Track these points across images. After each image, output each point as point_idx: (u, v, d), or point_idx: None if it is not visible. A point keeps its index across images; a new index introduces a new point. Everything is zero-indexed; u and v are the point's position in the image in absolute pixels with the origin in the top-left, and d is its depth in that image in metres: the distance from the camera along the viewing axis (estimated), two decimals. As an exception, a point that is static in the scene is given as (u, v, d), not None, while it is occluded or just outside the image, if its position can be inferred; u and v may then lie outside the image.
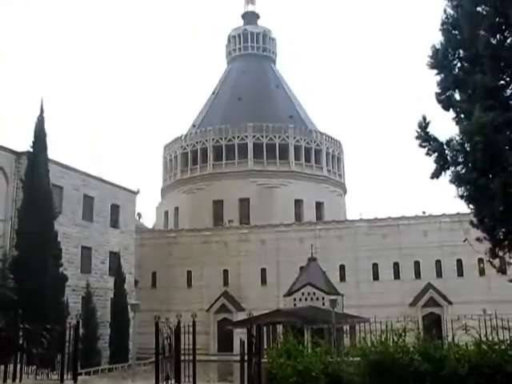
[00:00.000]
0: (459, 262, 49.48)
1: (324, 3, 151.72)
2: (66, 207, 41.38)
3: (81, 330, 37.27)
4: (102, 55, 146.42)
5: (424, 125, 12.08)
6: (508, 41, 11.15)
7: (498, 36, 11.25)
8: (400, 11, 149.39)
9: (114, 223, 47.11)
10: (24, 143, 34.72)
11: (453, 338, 11.28)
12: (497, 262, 12.84)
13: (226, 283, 54.39)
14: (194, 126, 72.14)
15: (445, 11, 11.64)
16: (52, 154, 35.33)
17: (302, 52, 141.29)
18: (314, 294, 40.33)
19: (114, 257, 45.38)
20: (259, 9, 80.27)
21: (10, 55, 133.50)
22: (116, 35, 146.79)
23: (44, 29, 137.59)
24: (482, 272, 47.55)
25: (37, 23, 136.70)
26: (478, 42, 11.00)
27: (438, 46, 11.72)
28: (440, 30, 11.76)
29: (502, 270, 13.34)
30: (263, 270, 53.82)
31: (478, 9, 11.24)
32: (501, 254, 12.37)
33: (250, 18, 78.92)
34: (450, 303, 48.15)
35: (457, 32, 11.55)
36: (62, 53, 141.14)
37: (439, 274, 50.38)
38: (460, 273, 49.82)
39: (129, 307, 39.34)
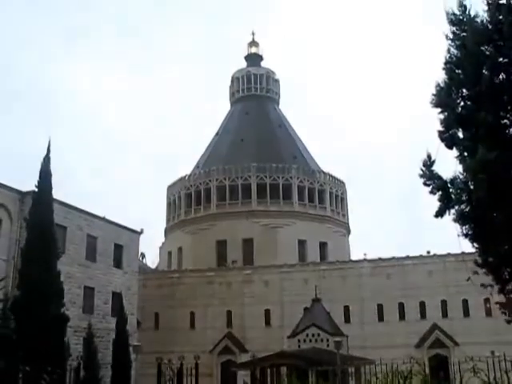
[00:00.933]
0: (465, 301, 48.97)
1: (327, 44, 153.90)
2: (70, 247, 41.31)
3: (82, 373, 37.03)
4: (108, 91, 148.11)
5: (429, 163, 12.10)
6: (511, 80, 11.23)
7: (500, 76, 11.34)
8: (403, 46, 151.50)
9: (117, 263, 46.93)
10: (29, 182, 34.71)
11: (461, 381, 11.07)
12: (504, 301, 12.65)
13: (229, 324, 53.84)
14: (197, 166, 72.53)
15: (448, 51, 11.76)
16: (56, 193, 35.43)
17: (304, 91, 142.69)
18: (319, 335, 39.93)
19: (117, 297, 45.05)
20: (262, 50, 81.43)
21: (16, 92, 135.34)
22: (124, 72, 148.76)
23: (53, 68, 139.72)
24: (488, 312, 47.01)
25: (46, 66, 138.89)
26: (481, 81, 11.08)
27: (442, 85, 11.80)
28: (443, 68, 11.86)
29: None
30: (267, 311, 53.34)
31: (481, 48, 11.34)
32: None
33: (254, 59, 79.97)
34: (457, 344, 47.46)
35: (460, 71, 11.63)
36: (71, 88, 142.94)
37: (445, 314, 49.80)
38: (466, 313, 49.23)
39: (131, 349, 38.90)
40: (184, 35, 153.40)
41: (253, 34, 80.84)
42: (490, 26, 11.10)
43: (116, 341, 42.58)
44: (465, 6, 11.36)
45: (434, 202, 12.12)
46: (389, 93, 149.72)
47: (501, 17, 10.91)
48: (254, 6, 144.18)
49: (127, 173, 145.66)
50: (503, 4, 10.96)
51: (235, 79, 78.75)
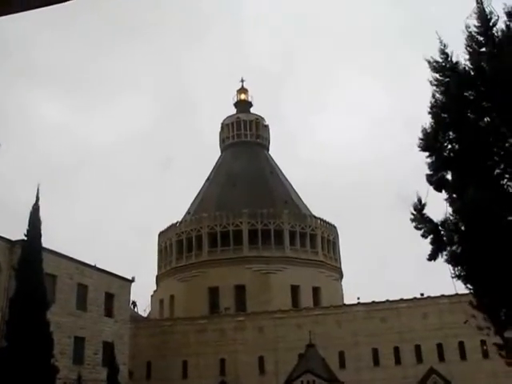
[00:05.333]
0: (461, 344, 48.46)
1: (316, 90, 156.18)
2: (60, 296, 40.78)
3: (72, 426, 36.01)
4: (98, 137, 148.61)
5: (419, 207, 12.13)
6: (495, 123, 11.43)
7: (485, 119, 11.55)
8: (390, 86, 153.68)
9: (108, 312, 46.28)
10: (19, 231, 34.45)
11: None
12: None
13: (222, 372, 52.88)
14: (188, 213, 72.44)
15: (433, 96, 11.98)
16: (46, 242, 35.15)
17: (294, 136, 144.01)
18: (314, 381, 39.42)
19: (108, 347, 44.20)
20: (251, 95, 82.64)
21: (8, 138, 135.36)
22: (111, 120, 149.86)
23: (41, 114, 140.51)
24: (485, 354, 46.43)
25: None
26: (466, 125, 11.27)
27: (428, 129, 11.96)
28: (429, 113, 12.05)
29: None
30: (261, 358, 52.51)
31: (465, 93, 11.60)
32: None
33: (243, 106, 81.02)
34: (455, 389, 46.73)
35: (446, 115, 11.83)
36: (59, 135, 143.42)
37: (441, 357, 49.19)
38: (463, 356, 48.67)
39: (122, 400, 38.11)
40: (176, 80, 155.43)
41: (242, 81, 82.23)
42: (472, 73, 11.38)
43: (107, 392, 41.64)
44: (446, 54, 11.64)
45: (425, 244, 12.10)
46: (378, 131, 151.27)
47: (482, 63, 11.20)
48: (242, 52, 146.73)
49: (118, 220, 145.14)
50: (484, 51, 11.28)
51: (225, 126, 79.60)
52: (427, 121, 12.02)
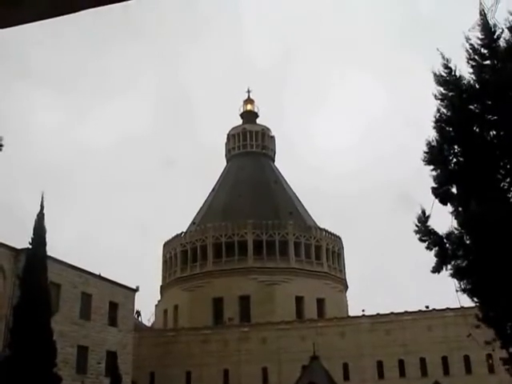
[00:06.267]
0: (467, 357, 48.08)
1: (321, 103, 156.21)
2: (64, 305, 40.77)
3: None
4: (102, 147, 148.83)
5: (423, 219, 12.07)
6: (502, 136, 11.38)
7: (491, 132, 11.51)
8: (394, 95, 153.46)
9: (112, 321, 46.21)
10: (24, 239, 34.40)
11: None
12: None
13: (226, 383, 52.65)
14: (193, 223, 72.45)
15: (438, 110, 11.96)
16: (51, 250, 35.10)
17: (300, 147, 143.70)
18: (318, 394, 39.06)
19: (111, 356, 44.11)
20: (257, 105, 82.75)
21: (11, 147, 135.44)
22: (116, 130, 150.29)
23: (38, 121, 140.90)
24: (491, 369, 46.06)
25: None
26: (472, 138, 11.24)
27: (433, 143, 11.92)
28: (434, 127, 12.03)
29: None
30: (264, 370, 52.30)
31: (470, 107, 11.57)
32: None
33: (249, 117, 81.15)
34: (461, 404, 46.33)
35: (451, 129, 11.81)
36: (57, 137, 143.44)
37: (446, 371, 48.85)
38: (468, 370, 48.29)
39: (125, 410, 37.96)
40: (182, 88, 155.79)
41: (248, 91, 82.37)
42: (477, 86, 11.35)
43: (110, 402, 41.47)
44: (450, 68, 11.64)
45: (431, 256, 12.04)
46: (378, 133, 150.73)
47: (486, 76, 11.18)
48: (249, 63, 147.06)
49: (123, 230, 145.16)
50: (487, 64, 11.25)
51: (231, 136, 79.75)
52: (431, 134, 11.99)
